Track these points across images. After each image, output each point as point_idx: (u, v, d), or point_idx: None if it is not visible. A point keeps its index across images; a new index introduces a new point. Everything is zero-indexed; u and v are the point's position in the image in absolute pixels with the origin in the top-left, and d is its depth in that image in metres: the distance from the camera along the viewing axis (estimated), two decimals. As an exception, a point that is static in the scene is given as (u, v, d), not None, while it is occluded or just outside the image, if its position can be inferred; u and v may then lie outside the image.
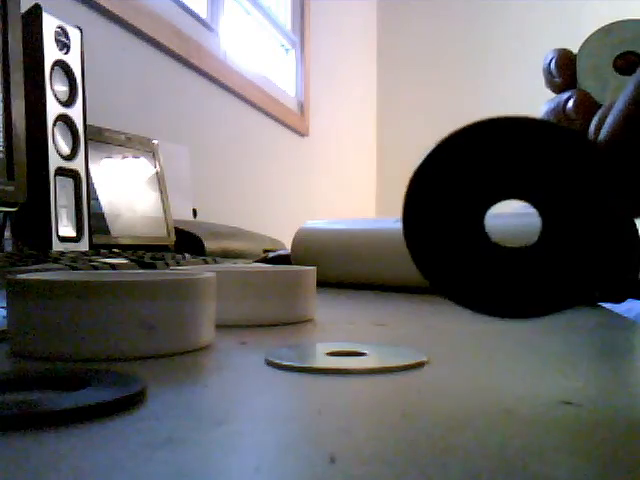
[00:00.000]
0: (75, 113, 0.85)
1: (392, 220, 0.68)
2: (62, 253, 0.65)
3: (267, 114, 2.01)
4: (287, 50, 2.36)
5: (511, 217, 0.57)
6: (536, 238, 0.21)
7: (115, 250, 0.76)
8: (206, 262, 0.75)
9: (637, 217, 0.21)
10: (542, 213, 0.21)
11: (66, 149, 0.84)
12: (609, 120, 0.21)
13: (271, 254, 0.84)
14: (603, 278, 0.21)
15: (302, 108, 2.37)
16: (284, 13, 2.35)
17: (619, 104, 0.21)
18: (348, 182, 2.91)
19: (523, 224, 0.55)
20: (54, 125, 0.81)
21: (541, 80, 0.30)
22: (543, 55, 0.30)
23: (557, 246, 0.21)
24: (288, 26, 2.34)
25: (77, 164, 0.85)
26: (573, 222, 0.21)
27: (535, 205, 0.21)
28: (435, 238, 0.21)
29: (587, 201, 0.21)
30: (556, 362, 0.27)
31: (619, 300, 0.53)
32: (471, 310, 0.22)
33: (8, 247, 0.83)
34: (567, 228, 0.21)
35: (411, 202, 0.21)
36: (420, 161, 0.21)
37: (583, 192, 0.21)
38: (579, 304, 0.21)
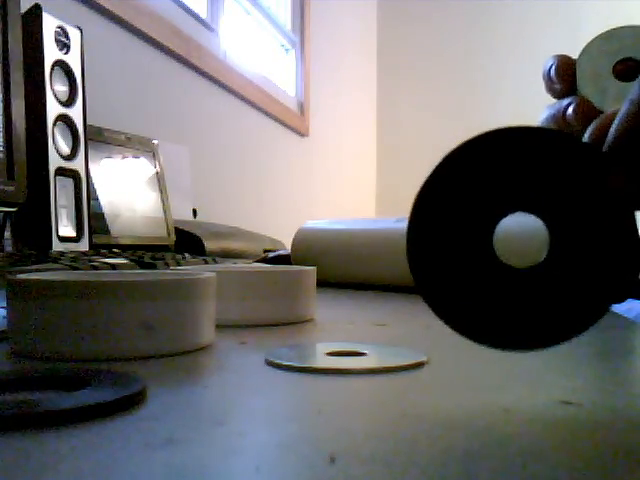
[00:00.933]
0: (75, 113, 0.85)
1: (392, 220, 0.68)
2: (62, 253, 0.65)
3: (267, 114, 2.01)
4: (287, 50, 2.36)
5: (511, 217, 0.57)
6: (544, 255, 0.21)
7: (115, 250, 0.76)
8: (206, 262, 0.75)
9: None
10: (550, 226, 0.21)
11: (66, 149, 0.84)
12: (614, 126, 0.20)
13: (271, 254, 0.84)
14: (615, 289, 0.20)
15: (302, 108, 2.37)
16: (284, 13, 2.35)
17: (624, 109, 0.20)
18: (348, 182, 2.91)
19: (522, 223, 0.56)
20: (54, 125, 0.81)
21: (541, 85, 0.30)
22: (543, 59, 0.30)
23: (567, 260, 0.20)
24: (288, 26, 2.34)
25: (77, 164, 0.85)
26: (581, 232, 0.20)
27: (543, 217, 0.21)
28: (441, 258, 0.20)
29: (594, 209, 0.20)
30: (556, 362, 0.27)
31: (619, 300, 0.53)
32: (477, 342, 0.20)
33: (8, 247, 0.83)
34: (575, 239, 0.20)
35: (417, 221, 0.20)
36: (426, 177, 0.20)
37: (589, 200, 0.20)
38: (595, 322, 0.20)
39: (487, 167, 0.20)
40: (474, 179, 0.20)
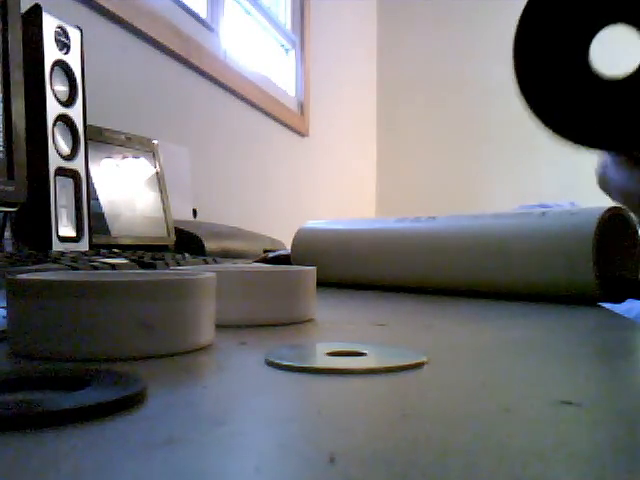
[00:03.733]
0: (75, 113, 0.85)
1: (392, 220, 0.68)
2: (62, 253, 0.65)
3: (267, 114, 2.01)
4: (287, 50, 2.36)
5: (511, 217, 0.57)
6: (636, 67, 0.22)
7: (115, 250, 0.76)
8: (206, 262, 0.75)
9: None
10: None
11: (66, 149, 0.84)
12: None
13: (271, 254, 0.84)
14: None
15: (302, 108, 2.37)
16: (284, 13, 2.35)
17: None
18: (348, 182, 2.91)
19: (523, 224, 0.56)
20: (54, 125, 0.81)
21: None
22: None
23: None
24: (288, 26, 2.34)
25: (77, 164, 0.85)
26: None
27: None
28: (542, 66, 0.23)
29: None
30: (556, 362, 0.27)
31: (619, 300, 0.53)
32: (567, 138, 0.22)
33: (8, 247, 0.83)
34: None
35: (523, 30, 0.23)
36: None
37: None
38: None
39: None
40: None
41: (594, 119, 0.22)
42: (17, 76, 0.71)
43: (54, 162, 0.81)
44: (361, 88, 3.16)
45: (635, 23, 0.22)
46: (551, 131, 0.23)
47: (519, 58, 0.23)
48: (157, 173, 1.14)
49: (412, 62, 3.24)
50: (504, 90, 2.99)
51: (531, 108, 0.23)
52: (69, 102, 0.84)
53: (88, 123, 0.89)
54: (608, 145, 0.23)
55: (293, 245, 0.74)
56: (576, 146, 0.23)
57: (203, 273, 0.31)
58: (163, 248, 1.08)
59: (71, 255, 0.63)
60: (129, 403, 0.18)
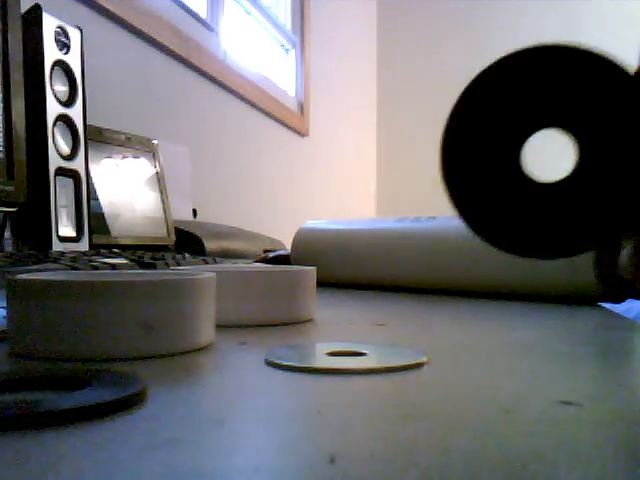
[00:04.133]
0: (75, 113, 0.85)
1: (392, 220, 0.68)
2: (62, 253, 0.65)
3: (267, 114, 2.01)
4: (287, 50, 2.36)
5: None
6: (570, 171, 0.21)
7: (115, 250, 0.76)
8: (206, 262, 0.75)
9: None
10: (579, 142, 0.21)
11: (66, 149, 0.84)
12: None
13: (271, 254, 0.84)
14: (633, 218, 0.21)
15: (302, 108, 2.37)
16: (284, 13, 2.35)
17: None
18: (348, 182, 2.91)
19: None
20: (54, 125, 0.81)
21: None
22: None
23: (591, 178, 0.21)
24: (288, 26, 2.34)
25: (77, 164, 0.85)
26: (609, 153, 0.20)
27: (573, 134, 0.21)
28: (471, 171, 0.21)
29: (624, 132, 0.20)
30: (556, 362, 0.27)
31: (619, 300, 0.53)
32: (500, 248, 0.22)
33: (8, 247, 0.83)
34: (603, 159, 0.21)
35: (450, 134, 0.21)
36: (460, 92, 0.21)
37: (620, 122, 0.20)
38: (606, 244, 0.21)
39: (520, 84, 0.21)
40: (507, 95, 0.21)
41: (528, 227, 0.21)
42: (17, 76, 0.71)
43: (54, 162, 0.81)
44: (361, 88, 3.15)
45: (567, 127, 0.21)
46: (484, 240, 0.22)
47: (447, 166, 0.22)
48: (157, 173, 1.14)
49: (412, 62, 3.24)
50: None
51: (463, 218, 0.22)
52: (69, 102, 0.84)
53: (88, 123, 0.89)
54: (544, 254, 0.22)
55: (293, 245, 0.74)
56: (510, 254, 0.22)
57: (203, 273, 0.31)
58: (163, 248, 1.08)
59: (71, 255, 0.63)
60: (129, 403, 0.18)
